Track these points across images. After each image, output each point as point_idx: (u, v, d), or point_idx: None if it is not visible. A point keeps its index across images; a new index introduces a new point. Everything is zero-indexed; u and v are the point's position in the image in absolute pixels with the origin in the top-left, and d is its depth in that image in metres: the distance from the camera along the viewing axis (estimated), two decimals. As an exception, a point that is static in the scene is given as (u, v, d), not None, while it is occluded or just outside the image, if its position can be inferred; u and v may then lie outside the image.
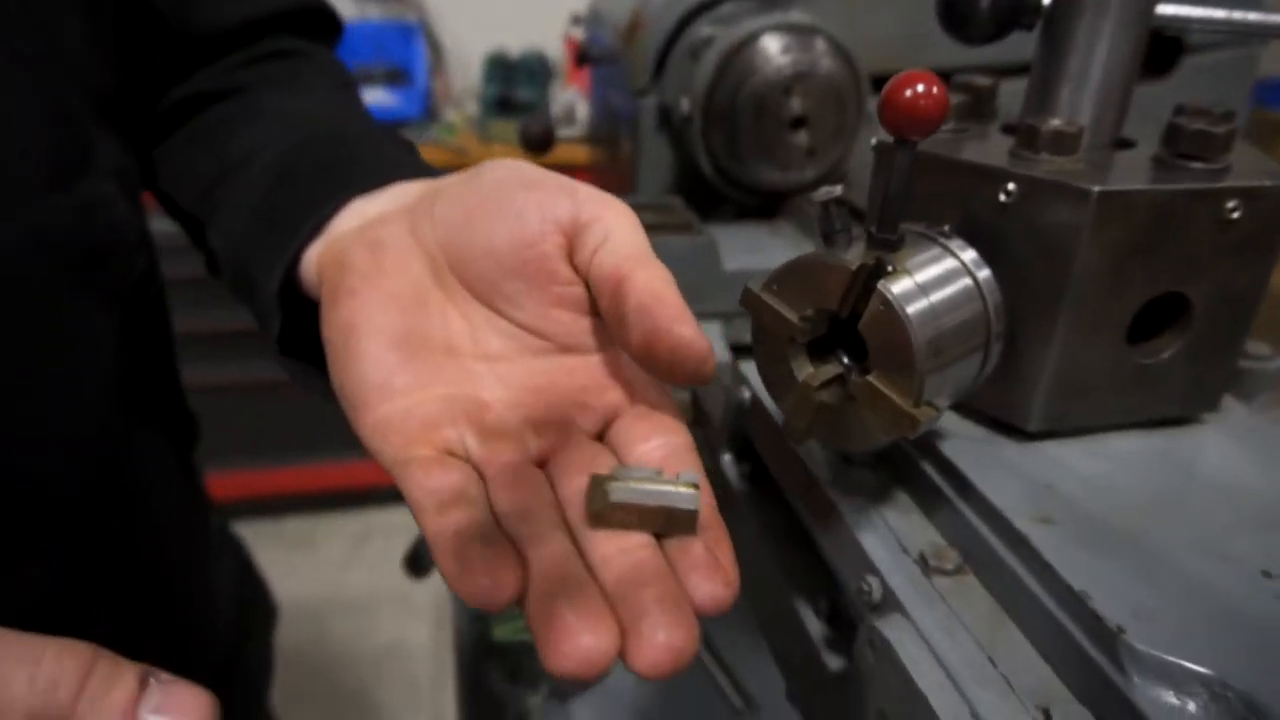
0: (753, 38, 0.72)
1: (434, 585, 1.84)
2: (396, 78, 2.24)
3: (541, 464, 0.31)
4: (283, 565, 1.98)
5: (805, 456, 0.43)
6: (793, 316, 0.34)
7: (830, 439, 0.36)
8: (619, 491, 0.28)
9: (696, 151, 0.77)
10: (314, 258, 0.35)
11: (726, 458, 0.55)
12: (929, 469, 0.40)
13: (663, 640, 0.24)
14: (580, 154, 1.12)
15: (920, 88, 0.29)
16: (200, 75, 0.48)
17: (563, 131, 0.96)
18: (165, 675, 0.26)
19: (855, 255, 0.33)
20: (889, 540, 0.38)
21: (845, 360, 0.36)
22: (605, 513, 0.27)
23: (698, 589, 0.26)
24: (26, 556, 0.39)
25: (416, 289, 0.33)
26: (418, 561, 0.89)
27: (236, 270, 0.39)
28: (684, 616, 0.25)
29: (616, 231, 0.31)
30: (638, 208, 0.73)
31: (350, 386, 0.32)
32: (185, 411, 0.53)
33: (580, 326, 0.33)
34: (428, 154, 1.84)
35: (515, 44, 2.22)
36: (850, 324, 0.34)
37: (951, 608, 0.35)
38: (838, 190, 0.34)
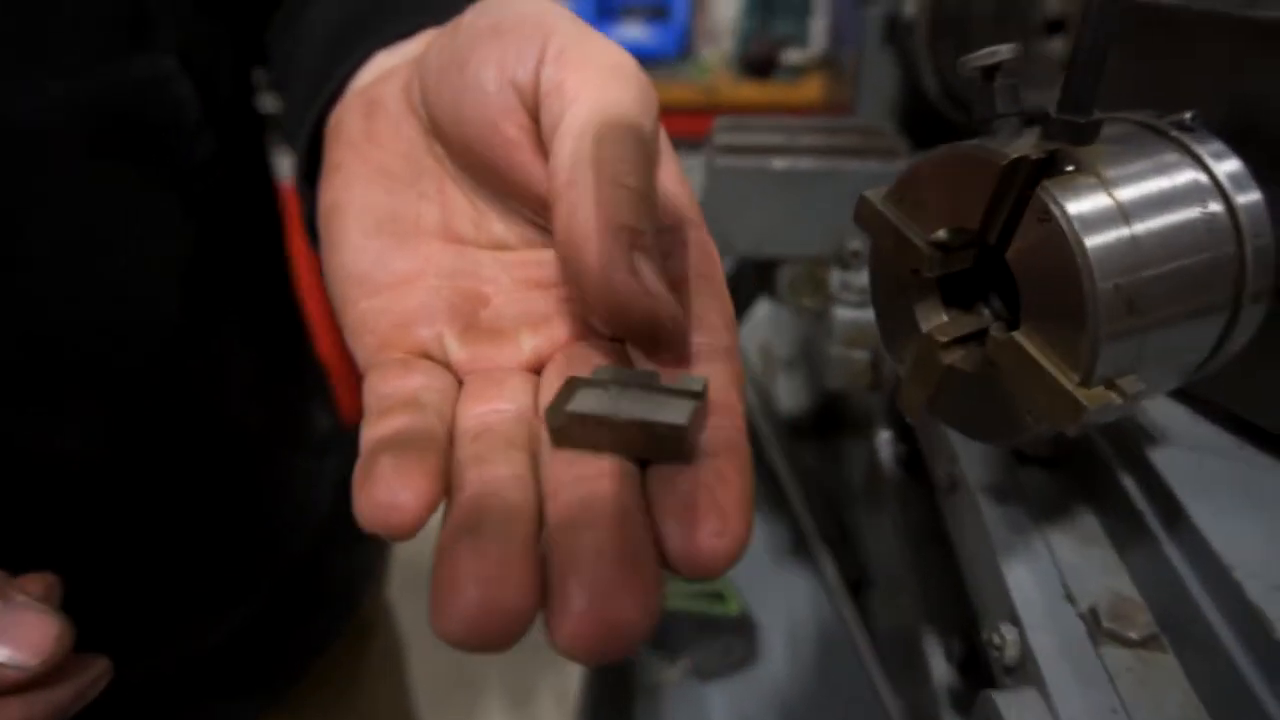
0: (1003, -82, 0.57)
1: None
2: (656, 14, 2.20)
3: (539, 369, 0.24)
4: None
5: (957, 441, 0.32)
6: (919, 239, 0.24)
7: (961, 421, 0.25)
8: (585, 399, 0.20)
9: (921, 67, 0.64)
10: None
11: (883, 435, 0.44)
12: (1129, 484, 0.27)
13: (588, 608, 0.16)
14: (813, 86, 1.01)
15: None
16: None
17: (797, 57, 0.85)
18: (21, 598, 0.22)
19: (1023, 147, 0.22)
20: (1048, 577, 0.26)
21: (996, 309, 0.25)
22: (567, 426, 0.20)
23: (673, 537, 0.17)
24: (67, 415, 0.38)
25: (409, 160, 0.27)
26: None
27: (293, 154, 0.34)
28: (631, 577, 0.16)
29: (575, 108, 0.22)
30: (831, 129, 0.62)
31: (332, 279, 0.26)
32: (289, 310, 0.51)
33: None
34: (680, 93, 1.75)
35: (780, -24, 2.09)
36: (1003, 253, 0.22)
37: (1122, 698, 0.23)
38: (1005, 51, 0.23)
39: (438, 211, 0.26)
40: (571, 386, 0.20)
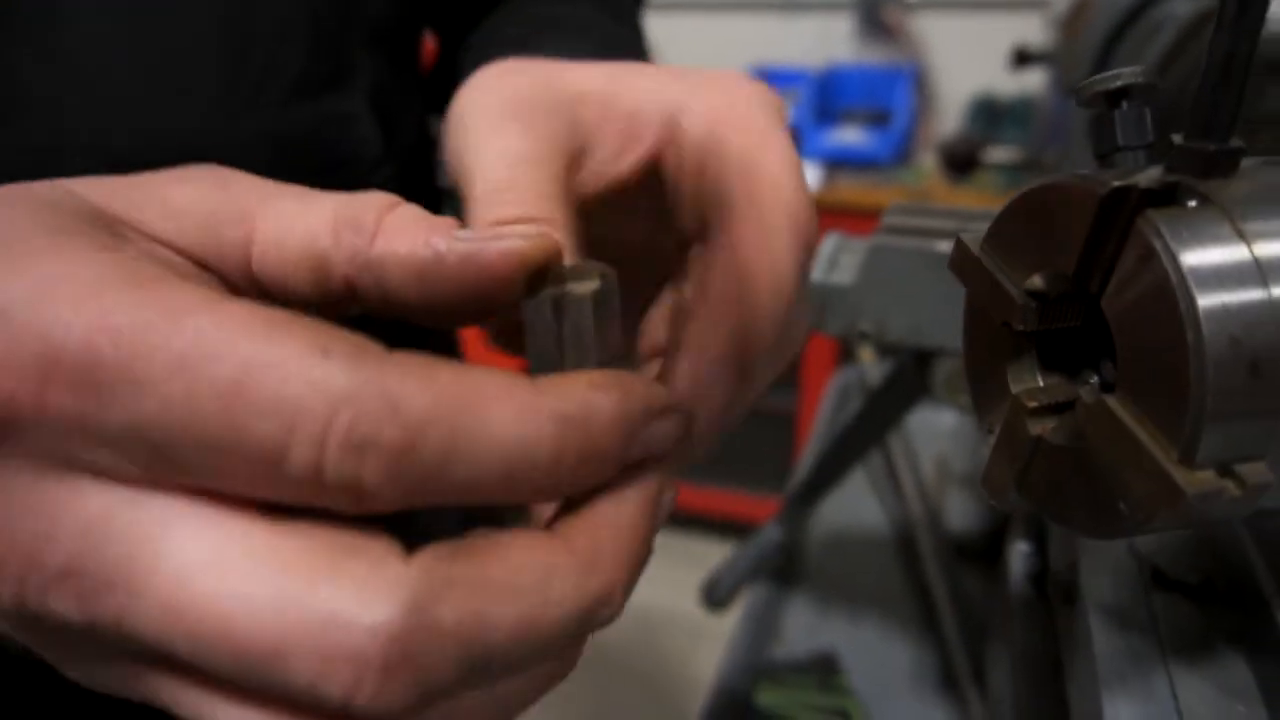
0: None
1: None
2: (877, 119, 2.20)
3: None
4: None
5: (1085, 545, 0.27)
6: (1012, 287, 0.20)
7: (1053, 507, 0.21)
8: None
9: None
10: None
11: (1019, 547, 0.38)
12: (1290, 627, 0.22)
13: None
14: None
15: None
16: (488, 21, 0.48)
17: (1001, 155, 0.81)
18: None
19: (1135, 179, 0.18)
20: (1164, 725, 0.21)
21: (1105, 377, 0.21)
22: None
23: None
24: None
25: None
26: (715, 591, 0.82)
27: None
28: None
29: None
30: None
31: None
32: (443, 341, 0.53)
33: None
34: (890, 196, 1.73)
35: (1008, 88, 2.02)
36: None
37: None
38: (1134, 73, 0.20)
39: None
40: None
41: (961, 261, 0.22)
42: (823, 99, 2.22)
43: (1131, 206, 0.17)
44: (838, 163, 2.11)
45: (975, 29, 2.19)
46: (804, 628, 0.73)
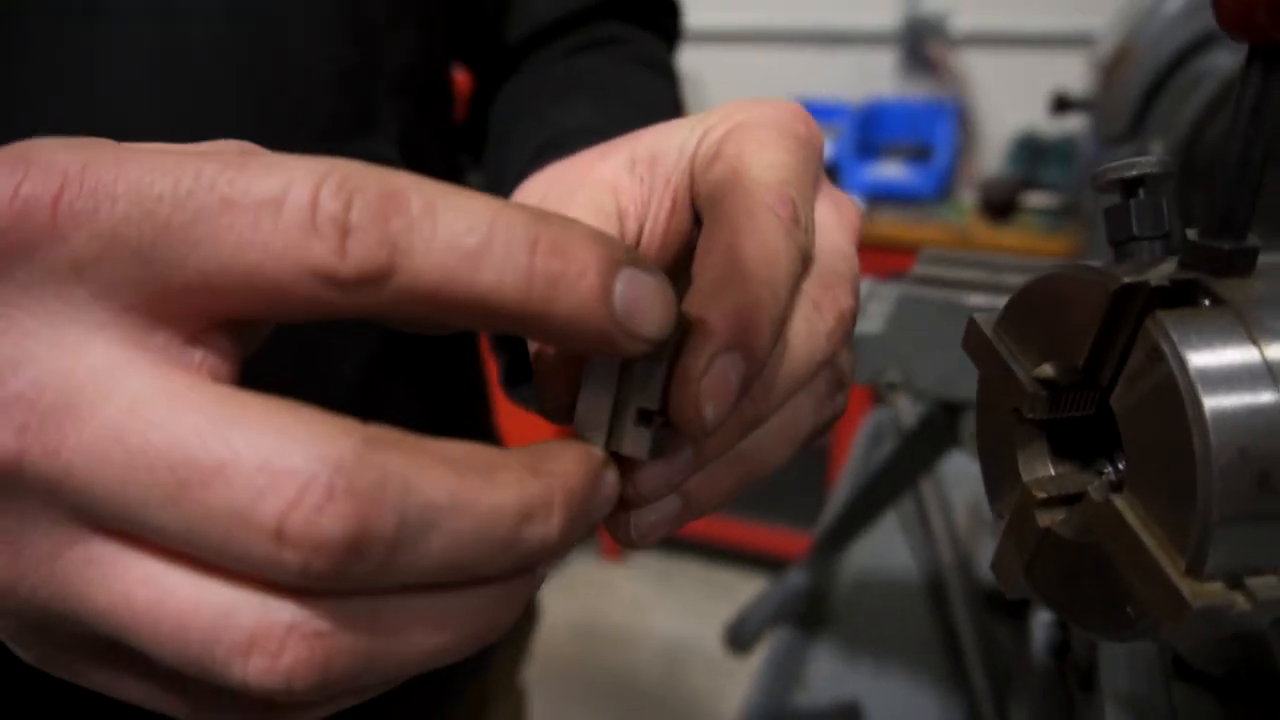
0: (1274, 59, 0.51)
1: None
2: (919, 154, 2.19)
3: None
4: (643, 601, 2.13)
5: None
6: (1023, 374, 0.20)
7: (1060, 600, 0.20)
8: None
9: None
10: None
11: (1041, 616, 0.37)
12: (1312, 731, 0.21)
13: None
14: (1069, 236, 0.94)
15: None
16: (524, 69, 0.48)
17: (1039, 201, 0.81)
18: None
19: (1148, 275, 0.18)
20: (1177, 829, 0.20)
21: (1119, 467, 0.20)
22: None
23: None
24: None
25: None
26: (739, 633, 0.81)
27: None
28: None
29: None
30: (1041, 270, 0.56)
31: None
32: (470, 379, 0.53)
33: None
34: (930, 233, 1.71)
35: (1052, 126, 2.00)
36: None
37: None
38: (1152, 163, 0.19)
39: None
40: None
41: (974, 343, 0.22)
42: (864, 133, 2.22)
43: (1142, 304, 0.17)
44: (878, 197, 2.10)
45: (1019, 66, 2.17)
46: (828, 675, 0.72)
